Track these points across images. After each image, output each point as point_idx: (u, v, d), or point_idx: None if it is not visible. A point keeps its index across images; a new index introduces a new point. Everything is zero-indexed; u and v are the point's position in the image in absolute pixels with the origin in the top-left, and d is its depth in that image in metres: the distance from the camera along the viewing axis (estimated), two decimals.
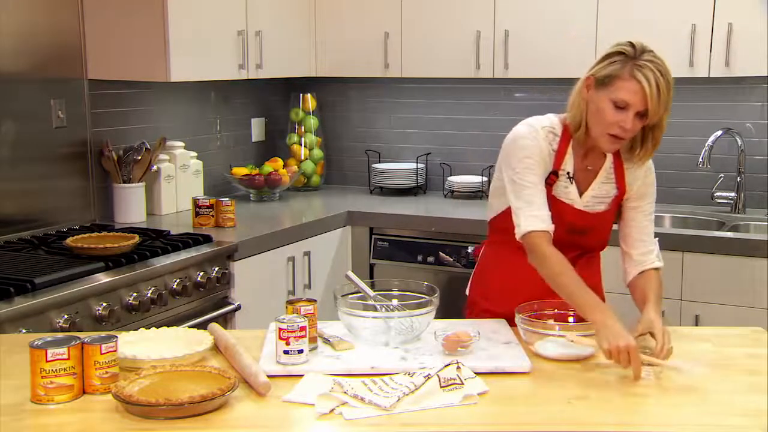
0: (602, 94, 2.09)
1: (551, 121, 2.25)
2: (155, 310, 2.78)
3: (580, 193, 2.25)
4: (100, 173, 3.47)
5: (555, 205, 2.21)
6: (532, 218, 2.14)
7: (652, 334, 2.01)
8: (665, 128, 2.16)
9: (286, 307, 2.00)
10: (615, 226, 2.36)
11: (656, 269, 2.27)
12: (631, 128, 2.09)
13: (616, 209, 2.31)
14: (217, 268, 3.04)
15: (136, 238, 2.92)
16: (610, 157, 2.26)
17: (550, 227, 2.14)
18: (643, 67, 2.04)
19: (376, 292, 2.16)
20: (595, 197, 2.26)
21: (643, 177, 2.28)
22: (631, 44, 2.08)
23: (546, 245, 2.13)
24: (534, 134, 2.20)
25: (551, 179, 2.21)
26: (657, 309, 2.12)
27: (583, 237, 2.28)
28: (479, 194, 4.05)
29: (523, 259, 2.18)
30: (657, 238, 2.32)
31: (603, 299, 2.30)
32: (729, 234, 3.38)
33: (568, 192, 2.24)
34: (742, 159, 3.69)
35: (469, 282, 2.50)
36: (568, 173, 2.23)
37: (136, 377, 1.75)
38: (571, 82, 2.22)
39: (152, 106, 3.72)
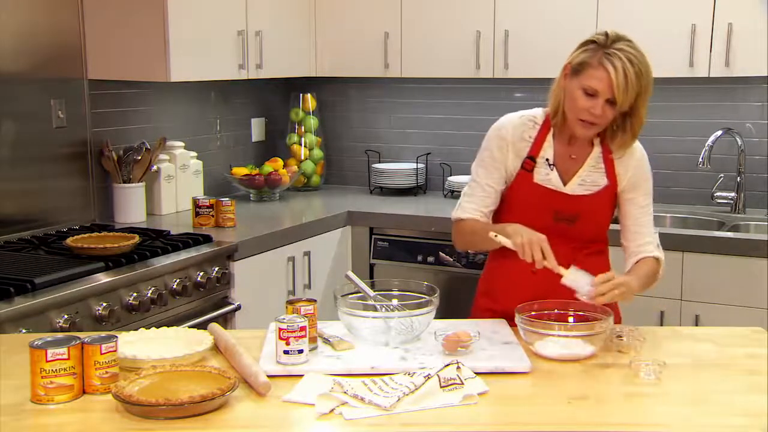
0: (575, 82, 2.17)
1: (535, 112, 2.33)
2: (155, 310, 2.78)
3: (566, 181, 2.28)
4: (100, 173, 3.47)
5: (538, 191, 2.27)
6: (461, 209, 2.34)
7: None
8: (643, 118, 2.20)
9: (286, 307, 2.00)
10: (615, 225, 2.36)
11: (655, 258, 2.29)
12: (600, 114, 2.15)
13: (611, 202, 2.32)
14: (217, 268, 3.04)
15: (136, 238, 2.92)
16: (598, 147, 2.29)
17: (473, 216, 2.31)
18: (612, 56, 2.10)
19: (376, 292, 2.16)
20: (582, 185, 2.28)
21: (634, 168, 2.30)
22: (605, 33, 2.15)
23: (464, 225, 2.32)
24: (500, 128, 2.32)
25: (527, 164, 2.28)
26: (636, 276, 2.20)
27: (574, 226, 2.29)
28: None
29: (517, 260, 2.20)
30: (657, 232, 2.33)
31: (615, 303, 2.31)
32: (729, 234, 3.38)
33: (549, 179, 2.28)
34: (742, 159, 3.69)
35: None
36: (547, 160, 2.28)
37: (136, 377, 1.75)
38: None
39: (152, 106, 3.72)
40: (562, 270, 2.10)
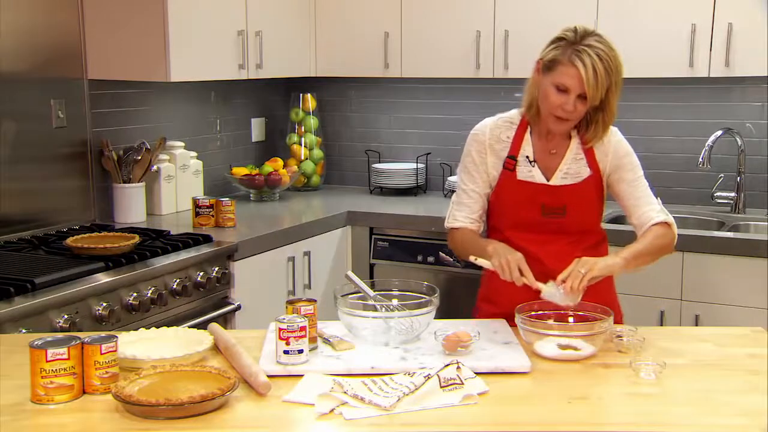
0: (547, 78, 2.21)
1: (511, 113, 2.39)
2: (155, 310, 2.78)
3: (549, 177, 2.31)
4: (100, 173, 3.47)
5: (523, 188, 2.31)
6: (452, 218, 2.40)
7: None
8: (615, 110, 2.24)
9: (286, 307, 2.00)
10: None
11: (660, 224, 2.30)
12: (572, 110, 2.19)
13: (598, 190, 2.33)
14: (217, 268, 3.04)
15: (136, 238, 2.92)
16: (576, 139, 2.32)
17: (465, 225, 2.37)
18: (581, 53, 2.14)
19: (376, 292, 2.16)
20: (566, 177, 2.31)
21: (612, 150, 2.33)
22: (574, 29, 2.18)
23: (457, 235, 2.39)
24: (476, 134, 2.38)
25: (509, 164, 2.32)
26: (626, 251, 2.19)
27: (563, 218, 2.31)
28: None
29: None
30: (658, 198, 2.36)
31: (617, 304, 2.31)
32: (729, 234, 3.38)
33: (532, 175, 2.31)
34: (742, 159, 3.69)
35: None
36: (527, 157, 2.32)
37: (136, 377, 1.75)
38: None
39: (152, 106, 3.72)
40: (540, 285, 2.12)
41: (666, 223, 2.30)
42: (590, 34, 2.17)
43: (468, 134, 2.42)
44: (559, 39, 2.20)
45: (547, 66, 2.21)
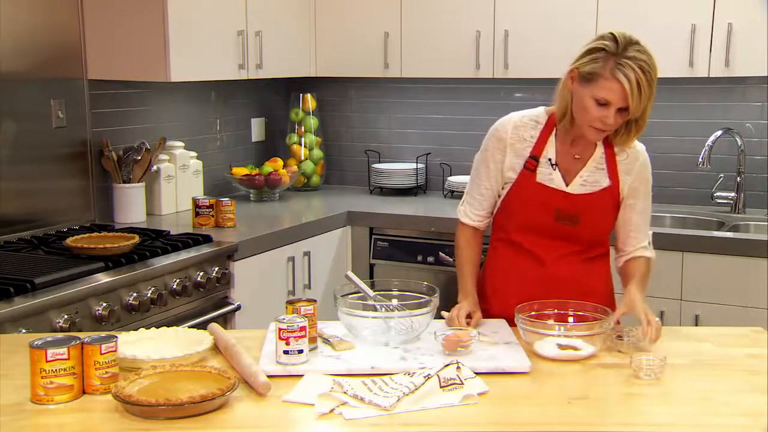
0: (585, 90, 2.12)
1: (538, 111, 2.32)
2: (155, 310, 2.78)
3: (568, 182, 2.27)
4: (100, 173, 3.47)
5: (540, 190, 2.26)
6: (462, 212, 2.38)
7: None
8: (648, 115, 2.19)
9: (286, 307, 2.00)
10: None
11: (647, 258, 2.31)
12: (613, 123, 2.14)
13: (614, 203, 2.30)
14: (217, 268, 3.04)
15: (136, 238, 2.92)
16: (601, 148, 2.28)
17: (472, 223, 2.37)
18: (624, 66, 2.05)
19: (376, 292, 2.16)
20: (584, 185, 2.27)
21: (637, 171, 2.29)
22: (614, 38, 2.09)
23: (461, 237, 2.39)
24: (498, 128, 2.33)
25: (530, 164, 2.27)
26: (640, 287, 2.20)
27: (575, 227, 2.27)
28: None
29: (516, 260, 2.20)
30: (651, 231, 2.36)
31: (613, 304, 2.31)
32: (729, 234, 3.38)
33: (552, 179, 2.27)
34: (742, 159, 3.69)
35: None
36: (549, 159, 2.27)
37: (136, 377, 1.75)
38: None
39: (152, 106, 3.72)
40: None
41: (649, 260, 2.32)
42: (631, 43, 2.07)
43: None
44: (598, 50, 2.09)
45: (585, 78, 2.11)
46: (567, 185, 2.26)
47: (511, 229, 2.32)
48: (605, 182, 2.27)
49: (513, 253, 2.30)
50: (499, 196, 2.34)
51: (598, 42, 2.11)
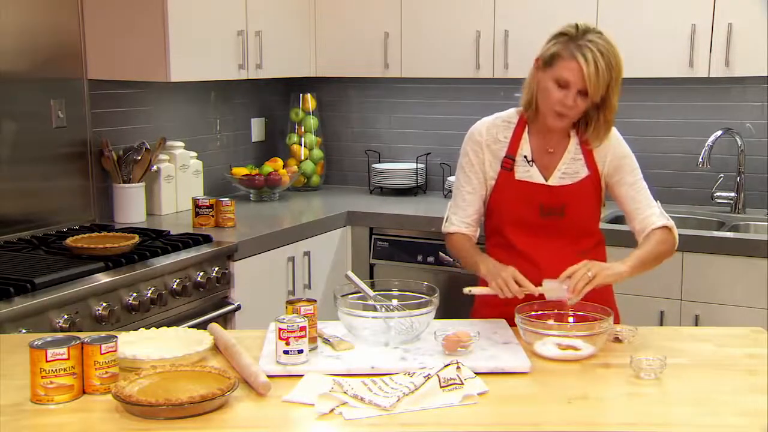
0: (547, 74, 2.21)
1: (509, 112, 2.39)
2: (155, 310, 2.78)
3: (547, 176, 2.30)
4: (100, 173, 3.47)
5: (521, 188, 2.30)
6: (448, 222, 2.42)
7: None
8: (615, 108, 2.23)
9: (286, 307, 2.00)
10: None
11: (661, 228, 2.30)
12: (572, 105, 2.19)
13: (596, 191, 2.33)
14: (217, 268, 3.04)
15: (136, 238, 2.92)
16: (574, 138, 2.32)
17: (459, 229, 2.39)
18: (582, 47, 2.14)
19: (376, 292, 2.16)
20: (564, 177, 2.31)
21: (611, 152, 2.32)
22: (576, 26, 2.19)
23: (453, 246, 2.42)
24: (472, 134, 2.37)
25: (507, 163, 2.31)
26: (632, 260, 2.19)
27: (562, 220, 2.30)
28: None
29: (510, 264, 2.19)
30: (658, 201, 2.35)
31: (614, 303, 2.30)
32: (729, 234, 3.38)
33: (530, 175, 2.31)
34: (742, 159, 3.69)
35: None
36: (525, 157, 2.31)
37: (136, 377, 1.75)
38: None
39: (152, 106, 3.72)
40: (539, 289, 2.12)
41: (666, 227, 2.30)
42: (591, 30, 2.17)
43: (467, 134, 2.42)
44: (560, 34, 2.20)
45: (547, 61, 2.21)
46: (546, 179, 2.30)
47: (501, 230, 2.36)
48: (584, 172, 2.31)
49: (507, 257, 2.30)
50: (484, 203, 2.37)
51: (561, 29, 2.22)
